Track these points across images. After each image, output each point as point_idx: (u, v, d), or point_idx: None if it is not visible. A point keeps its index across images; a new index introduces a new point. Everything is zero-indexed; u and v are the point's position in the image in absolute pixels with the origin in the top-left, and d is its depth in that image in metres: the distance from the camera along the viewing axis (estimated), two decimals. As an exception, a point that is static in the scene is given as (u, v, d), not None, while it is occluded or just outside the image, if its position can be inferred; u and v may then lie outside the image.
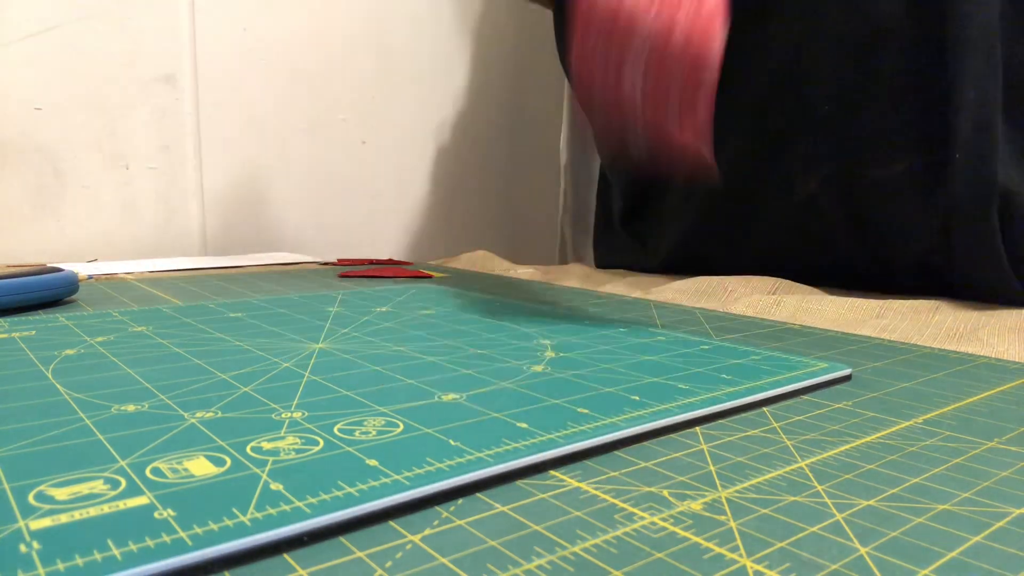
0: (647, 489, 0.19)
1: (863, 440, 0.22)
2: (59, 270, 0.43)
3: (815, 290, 0.50)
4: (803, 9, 0.48)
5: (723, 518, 0.17)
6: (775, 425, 0.24)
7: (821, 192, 0.50)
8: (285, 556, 0.15)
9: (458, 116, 0.92)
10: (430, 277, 0.59)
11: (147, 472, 0.18)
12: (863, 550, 0.16)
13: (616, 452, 0.21)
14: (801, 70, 0.49)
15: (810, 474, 0.20)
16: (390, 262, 0.71)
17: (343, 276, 0.59)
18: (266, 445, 0.20)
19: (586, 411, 0.23)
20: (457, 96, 0.92)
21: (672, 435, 0.22)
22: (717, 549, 0.16)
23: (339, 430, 0.21)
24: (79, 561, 0.14)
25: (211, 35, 0.73)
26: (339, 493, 0.17)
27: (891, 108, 0.46)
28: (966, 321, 0.40)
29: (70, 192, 0.68)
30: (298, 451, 0.20)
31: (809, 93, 0.49)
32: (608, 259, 0.68)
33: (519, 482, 0.19)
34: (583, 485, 0.19)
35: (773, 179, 0.52)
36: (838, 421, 0.24)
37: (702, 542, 0.16)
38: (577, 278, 0.60)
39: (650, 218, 0.62)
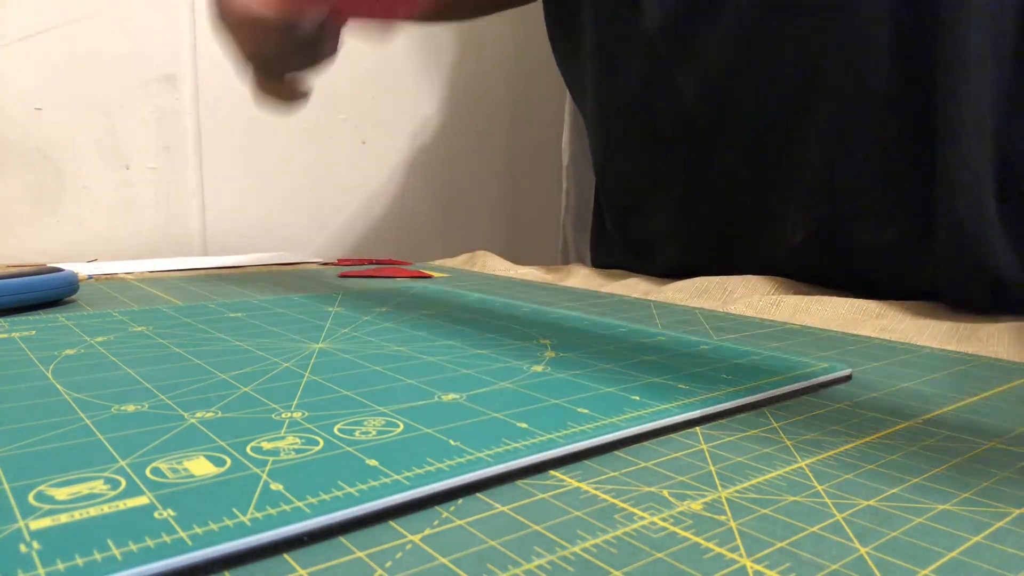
0: (647, 489, 0.19)
1: (863, 440, 0.22)
2: (59, 270, 0.43)
3: (815, 290, 0.50)
4: (799, 67, 0.47)
5: (723, 518, 0.17)
6: (775, 425, 0.24)
7: (808, 246, 0.50)
8: (285, 556, 0.15)
9: (458, 116, 0.92)
10: (430, 277, 0.59)
11: (147, 472, 0.18)
12: (863, 550, 0.16)
13: (616, 452, 0.21)
14: (790, 127, 0.49)
15: (810, 474, 0.20)
16: (390, 262, 0.71)
17: (343, 276, 0.59)
18: (266, 445, 0.20)
19: (586, 411, 0.23)
20: (458, 96, 0.92)
21: (672, 435, 0.22)
22: (717, 549, 0.16)
23: (339, 430, 0.21)
24: (79, 561, 0.14)
25: (211, 35, 0.73)
26: (339, 493, 0.17)
27: (879, 181, 0.45)
28: (966, 321, 0.40)
29: (70, 192, 0.68)
30: (298, 451, 0.20)
31: (796, 153, 0.49)
32: (605, 261, 0.68)
33: (519, 482, 0.19)
34: (583, 485, 0.19)
35: (762, 222, 0.52)
36: (838, 421, 0.24)
37: (702, 542, 0.16)
38: (577, 278, 0.60)
39: (644, 228, 0.62)
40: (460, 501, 0.18)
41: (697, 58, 0.52)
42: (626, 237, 0.64)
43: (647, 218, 0.61)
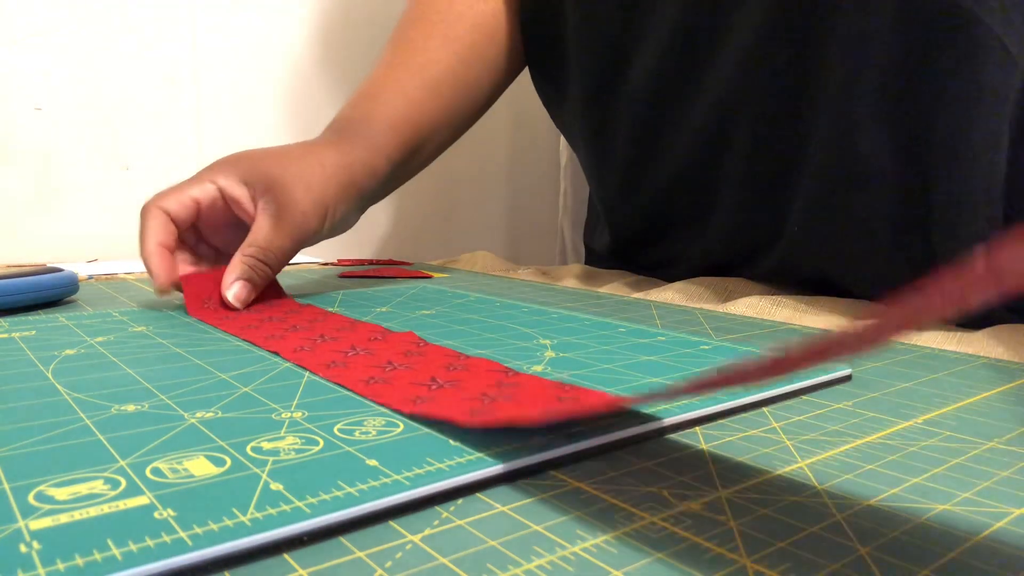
0: (647, 489, 0.19)
1: (863, 440, 0.22)
2: (59, 270, 0.43)
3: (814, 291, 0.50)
4: (788, 140, 0.47)
5: (723, 518, 0.17)
6: (775, 425, 0.24)
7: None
8: (285, 556, 0.15)
9: (458, 116, 0.92)
10: (430, 277, 0.58)
11: (147, 472, 0.18)
12: (863, 550, 0.16)
13: (616, 452, 0.21)
14: (780, 196, 0.48)
15: (810, 474, 0.20)
16: (390, 262, 0.71)
17: (343, 276, 0.59)
18: (266, 445, 0.20)
19: (586, 411, 0.23)
20: (457, 96, 0.92)
21: (672, 435, 0.22)
22: (717, 549, 0.16)
23: (339, 430, 0.21)
24: (79, 561, 0.14)
25: (211, 35, 0.73)
26: (339, 493, 0.17)
27: (870, 248, 0.45)
28: (966, 322, 0.40)
29: (70, 192, 0.68)
30: (298, 451, 0.20)
31: (781, 214, 0.48)
32: (599, 261, 0.69)
33: (519, 482, 0.19)
34: (583, 485, 0.19)
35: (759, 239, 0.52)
36: (838, 421, 0.24)
37: (702, 542, 0.16)
38: (577, 278, 0.60)
39: (652, 254, 0.62)
40: (460, 501, 0.18)
41: (682, 122, 0.52)
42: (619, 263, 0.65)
43: (651, 246, 0.61)
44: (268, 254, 0.41)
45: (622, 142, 0.57)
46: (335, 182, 0.45)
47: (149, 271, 0.41)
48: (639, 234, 0.61)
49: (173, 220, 0.42)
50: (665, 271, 0.59)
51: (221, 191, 0.43)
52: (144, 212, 0.42)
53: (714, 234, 0.54)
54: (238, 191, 0.42)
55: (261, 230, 0.41)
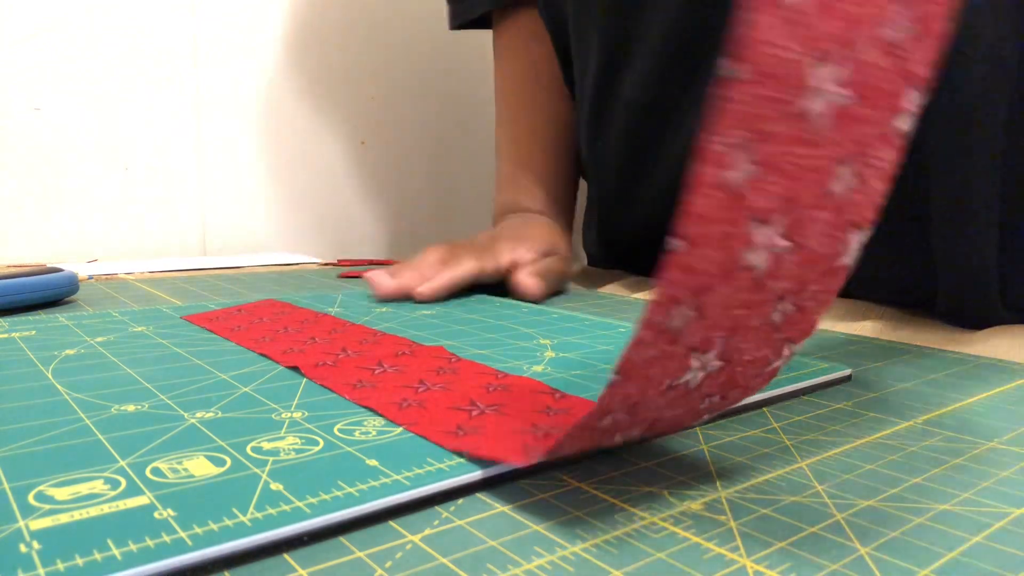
0: (647, 489, 0.19)
1: (863, 440, 0.22)
2: (59, 270, 0.43)
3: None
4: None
5: (723, 518, 0.17)
6: (775, 425, 0.24)
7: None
8: (285, 556, 0.15)
9: (458, 116, 0.92)
10: (430, 277, 0.58)
11: (147, 472, 0.18)
12: (863, 550, 0.16)
13: (616, 452, 0.21)
14: None
15: (810, 474, 0.20)
16: (390, 262, 0.71)
17: (343, 276, 0.59)
18: (266, 445, 0.20)
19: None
20: (457, 96, 0.92)
21: (672, 435, 0.22)
22: (717, 549, 0.16)
23: (339, 430, 0.21)
24: (79, 561, 0.14)
25: (211, 35, 0.73)
26: (339, 493, 0.17)
27: (870, 248, 0.44)
28: (966, 322, 0.40)
29: (70, 192, 0.68)
30: (298, 451, 0.20)
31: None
32: (597, 263, 0.69)
33: (519, 482, 0.19)
34: (583, 485, 0.19)
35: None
36: (838, 421, 0.24)
37: (702, 542, 0.16)
38: (577, 278, 0.60)
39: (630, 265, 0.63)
40: (460, 501, 0.18)
41: (676, 128, 0.52)
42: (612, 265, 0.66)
43: (647, 251, 0.61)
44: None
45: (617, 147, 0.57)
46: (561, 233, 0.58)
47: (427, 289, 0.45)
48: (635, 239, 0.61)
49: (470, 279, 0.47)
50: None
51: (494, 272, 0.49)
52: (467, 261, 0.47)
53: None
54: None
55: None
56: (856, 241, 0.18)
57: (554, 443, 0.18)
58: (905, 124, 0.17)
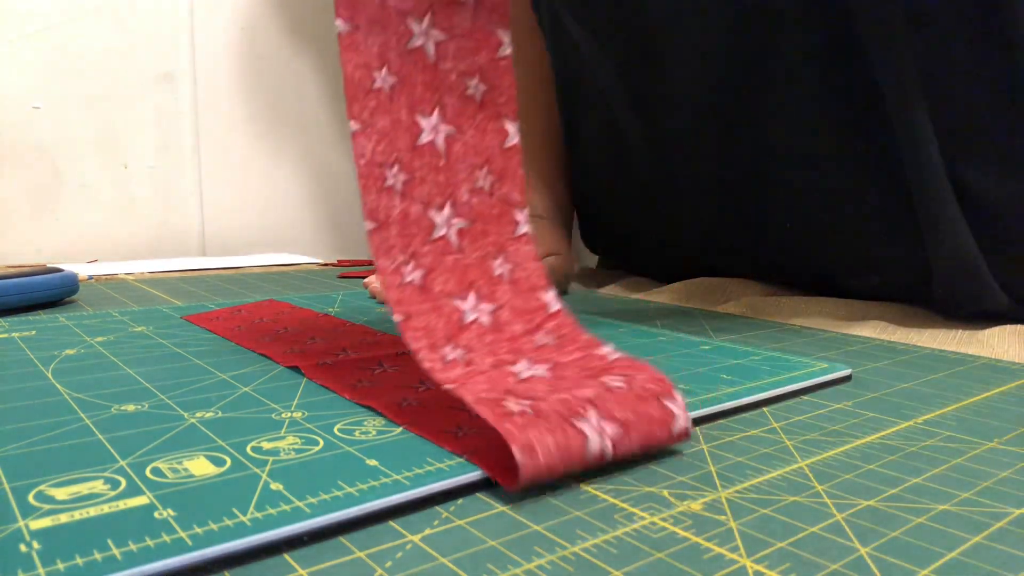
0: (647, 489, 0.19)
1: (863, 440, 0.22)
2: (59, 270, 0.43)
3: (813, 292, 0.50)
4: (753, 140, 0.46)
5: (723, 518, 0.17)
6: (775, 425, 0.24)
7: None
8: (285, 556, 0.15)
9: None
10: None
11: (147, 472, 0.18)
12: (863, 550, 0.16)
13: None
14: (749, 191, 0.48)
15: (810, 474, 0.20)
16: (390, 262, 0.71)
17: (343, 276, 0.59)
18: (266, 445, 0.20)
19: (586, 411, 0.23)
20: (457, 96, 0.92)
21: (672, 435, 0.22)
22: (717, 549, 0.16)
23: (339, 430, 0.21)
24: (79, 561, 0.14)
25: (210, 35, 0.73)
26: (339, 493, 0.17)
27: (869, 248, 0.44)
28: (966, 322, 0.40)
29: (69, 192, 0.68)
30: (298, 451, 0.20)
31: (757, 220, 0.48)
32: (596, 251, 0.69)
33: (519, 482, 0.19)
34: (583, 485, 0.19)
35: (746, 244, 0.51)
36: (838, 421, 0.24)
37: (702, 542, 0.16)
38: (576, 279, 0.60)
39: (627, 256, 0.63)
40: (460, 501, 0.18)
41: (648, 130, 0.52)
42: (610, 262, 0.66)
43: (630, 251, 0.61)
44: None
45: (591, 149, 0.58)
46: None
47: None
48: (618, 239, 0.62)
49: None
50: (652, 273, 0.59)
51: None
52: None
53: (689, 242, 0.53)
54: None
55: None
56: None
57: (544, 467, 0.18)
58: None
